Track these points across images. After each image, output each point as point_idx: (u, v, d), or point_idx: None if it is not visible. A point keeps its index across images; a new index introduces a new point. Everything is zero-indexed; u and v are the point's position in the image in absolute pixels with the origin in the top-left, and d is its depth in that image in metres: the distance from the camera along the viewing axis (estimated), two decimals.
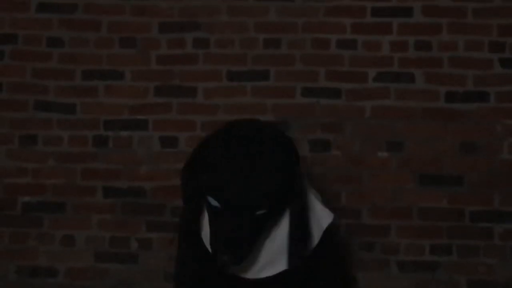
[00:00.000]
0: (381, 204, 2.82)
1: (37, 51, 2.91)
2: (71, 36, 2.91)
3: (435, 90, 2.84)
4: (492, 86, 2.82)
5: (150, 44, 2.90)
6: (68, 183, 2.87)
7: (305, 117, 2.86)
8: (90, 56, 2.91)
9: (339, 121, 2.85)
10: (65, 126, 2.89)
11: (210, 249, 1.95)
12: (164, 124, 2.89)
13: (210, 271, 2.06)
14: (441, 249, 2.79)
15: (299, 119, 2.87)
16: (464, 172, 2.81)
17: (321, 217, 2.05)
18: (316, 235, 2.01)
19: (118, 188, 2.87)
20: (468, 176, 2.80)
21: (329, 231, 2.04)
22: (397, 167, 2.83)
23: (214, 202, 1.82)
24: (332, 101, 2.86)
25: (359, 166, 2.84)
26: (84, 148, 2.88)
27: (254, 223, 1.85)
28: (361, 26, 2.87)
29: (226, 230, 1.83)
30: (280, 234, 2.00)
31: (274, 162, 1.84)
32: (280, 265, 1.99)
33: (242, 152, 1.83)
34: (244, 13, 2.89)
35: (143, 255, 2.83)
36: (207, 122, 2.86)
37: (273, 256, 2.00)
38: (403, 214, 2.82)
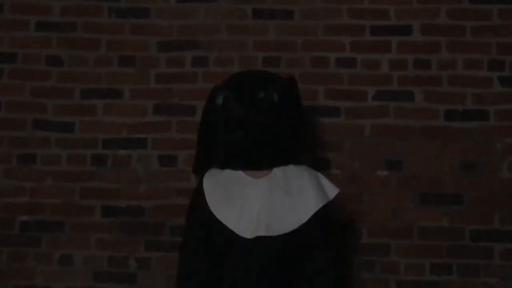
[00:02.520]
0: (381, 223, 2.77)
1: (36, 69, 2.87)
2: (70, 54, 2.88)
3: (435, 109, 2.80)
4: (492, 104, 2.78)
5: (149, 62, 2.87)
6: (66, 203, 2.82)
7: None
8: (89, 74, 2.88)
9: (339, 139, 2.81)
10: (64, 145, 2.84)
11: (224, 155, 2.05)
12: (163, 142, 2.84)
13: (217, 240, 2.06)
14: (441, 268, 2.74)
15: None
16: (464, 191, 2.76)
17: (327, 187, 2.10)
18: (320, 201, 2.04)
19: (117, 207, 2.82)
20: (468, 195, 2.75)
21: (332, 204, 2.09)
22: (396, 186, 2.78)
23: (226, 92, 2.00)
24: (331, 119, 2.82)
25: (358, 185, 2.79)
26: (83, 167, 2.83)
27: (266, 100, 1.98)
28: (360, 44, 2.84)
29: (245, 113, 1.96)
30: (288, 194, 2.03)
31: (274, 78, 2.06)
32: (287, 226, 2.00)
33: (246, 75, 2.08)
34: (243, 32, 2.87)
35: (141, 275, 2.77)
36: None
37: (281, 215, 2.01)
38: (403, 233, 2.76)
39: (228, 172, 2.10)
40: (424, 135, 2.79)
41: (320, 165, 2.75)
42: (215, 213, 2.06)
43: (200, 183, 2.15)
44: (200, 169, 2.16)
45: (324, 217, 2.09)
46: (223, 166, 2.12)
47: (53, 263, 2.79)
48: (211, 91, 2.14)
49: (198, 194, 2.13)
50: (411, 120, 2.80)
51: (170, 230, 2.78)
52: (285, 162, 2.10)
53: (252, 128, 2.01)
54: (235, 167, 2.09)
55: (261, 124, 2.02)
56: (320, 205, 2.06)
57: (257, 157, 2.06)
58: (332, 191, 2.12)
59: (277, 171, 2.08)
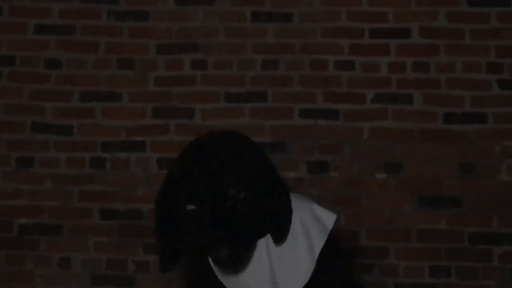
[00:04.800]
0: (379, 226, 2.73)
1: (34, 72, 2.84)
2: (68, 57, 2.84)
3: (433, 111, 2.76)
4: (490, 107, 2.74)
5: (148, 65, 2.83)
6: (64, 205, 2.77)
7: (303, 138, 2.79)
8: (87, 77, 2.84)
9: (337, 142, 2.77)
10: (62, 148, 2.80)
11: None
12: (162, 145, 2.80)
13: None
14: (440, 271, 2.69)
15: (297, 140, 2.80)
16: (462, 193, 2.72)
17: (324, 218, 2.03)
18: (321, 234, 1.98)
19: (115, 210, 2.78)
20: (467, 198, 2.71)
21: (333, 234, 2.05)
22: (395, 188, 2.74)
23: (189, 207, 1.79)
24: (330, 122, 2.78)
25: (357, 187, 2.75)
26: (81, 170, 2.79)
27: (230, 212, 1.82)
28: (358, 47, 2.81)
29: (210, 225, 1.80)
30: (289, 253, 1.96)
31: (232, 155, 1.88)
32: (300, 282, 1.93)
33: (202, 155, 1.88)
34: (241, 35, 2.84)
35: (140, 278, 2.73)
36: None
37: (290, 276, 1.95)
38: (401, 236, 2.72)
39: None
40: (422, 138, 2.75)
41: (318, 168, 2.73)
42: (226, 284, 1.99)
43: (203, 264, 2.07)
44: (169, 266, 2.02)
45: (329, 250, 2.02)
46: None
47: (52, 266, 2.75)
48: (167, 184, 1.96)
49: (206, 272, 2.05)
50: (410, 123, 2.76)
51: None
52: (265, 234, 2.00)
53: (234, 239, 1.86)
54: None
55: (240, 231, 1.88)
56: (321, 245, 1.99)
57: (246, 248, 1.96)
58: (329, 220, 2.04)
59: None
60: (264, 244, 1.99)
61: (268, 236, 1.99)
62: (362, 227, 2.71)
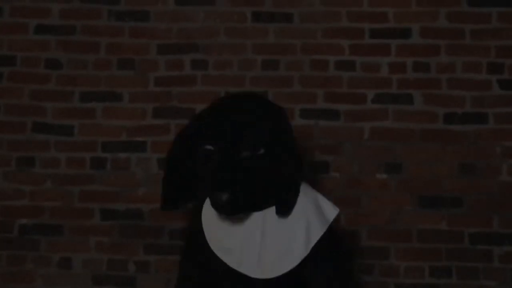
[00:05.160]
0: (380, 226, 2.73)
1: (35, 72, 2.84)
2: (69, 57, 2.84)
3: (434, 112, 2.76)
4: (491, 107, 2.74)
5: (149, 65, 2.83)
6: (65, 206, 2.77)
7: (304, 138, 2.78)
8: (88, 77, 2.84)
9: (338, 142, 2.77)
10: (63, 148, 2.80)
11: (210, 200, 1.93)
12: (163, 145, 2.78)
13: (215, 274, 2.03)
14: (441, 271, 2.69)
15: (297, 140, 2.70)
16: (463, 193, 2.72)
17: (326, 210, 2.06)
18: (321, 225, 2.01)
19: (116, 210, 2.78)
20: (467, 198, 2.71)
21: (333, 227, 2.06)
22: (396, 189, 2.74)
23: (208, 147, 1.91)
24: (330, 122, 2.78)
25: (357, 188, 2.75)
26: (82, 170, 2.79)
27: (253, 163, 1.90)
28: (359, 47, 2.81)
29: (224, 170, 1.88)
30: (284, 233, 1.99)
31: (260, 110, 1.96)
32: (290, 262, 1.97)
33: (230, 106, 1.96)
34: (242, 35, 2.84)
35: (140, 278, 2.72)
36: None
37: (283, 250, 1.98)
38: (402, 236, 2.72)
39: None
40: (423, 138, 2.75)
41: (319, 168, 2.75)
42: (214, 249, 2.01)
43: (197, 221, 2.09)
44: (172, 204, 2.09)
45: (327, 242, 2.03)
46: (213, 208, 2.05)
47: (52, 266, 2.75)
48: (190, 125, 2.07)
49: (196, 232, 2.08)
50: (411, 123, 2.76)
51: (169, 233, 2.74)
52: (274, 203, 2.03)
53: (233, 195, 1.92)
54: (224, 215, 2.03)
55: (244, 189, 1.94)
56: (321, 232, 2.01)
57: (239, 213, 1.99)
58: (331, 213, 2.07)
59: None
60: (261, 218, 2.00)
61: (267, 212, 2.00)
62: (363, 227, 2.72)
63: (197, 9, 2.83)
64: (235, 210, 1.94)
